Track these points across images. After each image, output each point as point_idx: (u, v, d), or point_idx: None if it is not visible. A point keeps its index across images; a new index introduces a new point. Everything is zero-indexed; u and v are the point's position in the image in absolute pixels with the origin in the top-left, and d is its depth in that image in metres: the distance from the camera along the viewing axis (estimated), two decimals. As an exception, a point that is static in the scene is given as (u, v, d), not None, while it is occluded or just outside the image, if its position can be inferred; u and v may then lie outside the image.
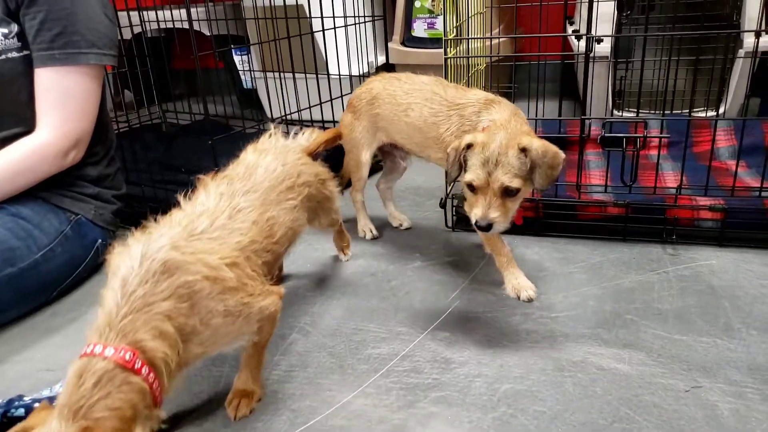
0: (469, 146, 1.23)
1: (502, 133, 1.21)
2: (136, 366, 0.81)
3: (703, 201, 1.57)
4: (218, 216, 1.02)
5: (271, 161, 1.20)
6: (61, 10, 1.39)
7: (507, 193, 1.19)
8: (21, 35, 1.42)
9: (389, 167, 1.81)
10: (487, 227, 1.19)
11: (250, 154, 1.22)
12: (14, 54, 1.42)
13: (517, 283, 1.41)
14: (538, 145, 1.18)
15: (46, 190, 1.50)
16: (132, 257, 0.88)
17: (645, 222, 1.60)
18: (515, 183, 1.18)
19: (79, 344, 1.33)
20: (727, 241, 1.56)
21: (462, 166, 1.25)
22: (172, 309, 0.86)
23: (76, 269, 1.55)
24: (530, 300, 1.38)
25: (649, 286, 1.42)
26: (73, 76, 1.44)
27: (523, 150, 1.17)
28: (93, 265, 1.63)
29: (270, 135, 1.29)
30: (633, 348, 1.20)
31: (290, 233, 1.19)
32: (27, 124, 1.46)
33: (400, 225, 1.84)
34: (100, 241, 1.60)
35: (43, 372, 1.25)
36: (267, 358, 1.22)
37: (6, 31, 1.41)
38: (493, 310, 1.36)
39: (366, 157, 1.68)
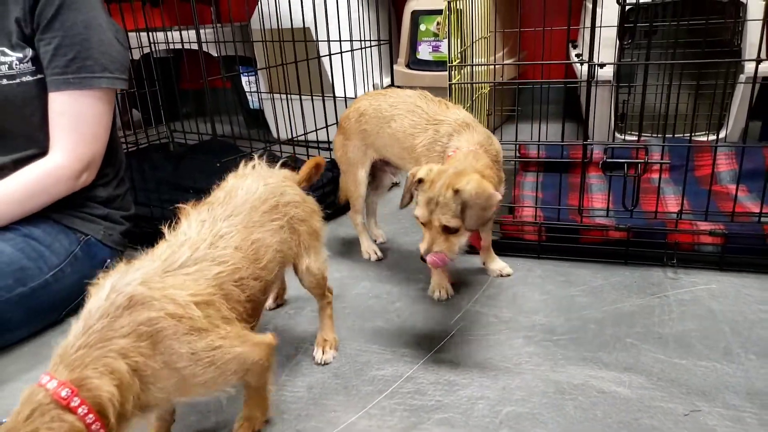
0: (420, 181, 1.29)
1: (451, 170, 1.26)
2: (72, 404, 0.77)
3: (704, 226, 1.59)
4: (199, 245, 0.98)
5: (252, 182, 1.15)
6: (76, 36, 1.43)
7: (448, 230, 1.25)
8: (35, 59, 1.46)
9: (377, 182, 1.85)
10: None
11: (230, 180, 1.18)
12: (28, 78, 1.46)
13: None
14: (471, 187, 1.22)
15: (57, 211, 1.54)
16: (102, 289, 0.86)
17: (646, 246, 1.62)
18: (453, 223, 1.23)
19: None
20: (727, 266, 1.58)
21: (413, 197, 1.34)
22: (130, 347, 0.82)
23: (86, 289, 1.57)
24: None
25: (649, 309, 1.43)
26: (86, 99, 1.47)
27: (456, 192, 1.23)
28: (102, 285, 1.65)
29: (251, 163, 1.22)
30: (633, 371, 1.22)
31: (279, 257, 1.13)
32: (40, 146, 1.50)
33: (376, 239, 1.91)
34: (109, 261, 1.63)
35: (53, 391, 1.27)
36: (274, 375, 1.24)
37: (21, 55, 1.45)
38: (495, 333, 1.38)
39: (362, 175, 1.72)
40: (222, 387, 0.95)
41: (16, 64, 1.44)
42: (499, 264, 1.67)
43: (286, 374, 1.28)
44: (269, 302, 1.54)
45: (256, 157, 1.24)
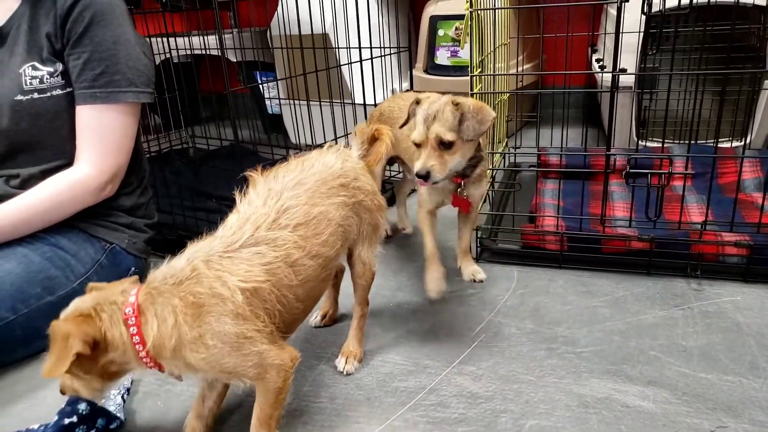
0: (417, 102, 1.42)
1: (449, 96, 1.39)
2: (129, 321, 0.95)
3: (729, 237, 1.58)
4: (261, 223, 1.05)
5: (331, 158, 1.21)
6: (104, 51, 1.45)
7: (443, 145, 1.36)
8: (65, 74, 1.48)
9: (407, 177, 1.99)
10: (426, 175, 1.36)
11: (313, 153, 1.24)
12: (59, 91, 1.48)
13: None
14: (471, 102, 1.36)
15: (83, 220, 1.56)
16: (184, 254, 1.03)
17: (669, 257, 1.61)
18: (449, 136, 1.34)
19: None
20: (752, 277, 1.56)
21: (409, 118, 1.46)
22: (179, 309, 0.95)
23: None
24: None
25: (673, 322, 1.42)
26: (112, 113, 1.50)
27: (456, 105, 1.34)
28: (126, 293, 1.67)
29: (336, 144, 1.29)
30: (657, 385, 1.21)
31: (340, 232, 1.17)
32: (67, 157, 1.52)
33: (404, 229, 2.01)
34: (133, 269, 1.65)
35: (81, 399, 1.29)
36: (299, 382, 1.25)
37: (52, 69, 1.47)
38: (517, 344, 1.38)
39: (377, 169, 1.76)
40: (237, 377, 1.01)
41: (47, 78, 1.47)
42: (472, 268, 1.70)
43: (309, 385, 1.29)
44: (317, 319, 1.52)
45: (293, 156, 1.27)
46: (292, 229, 1.07)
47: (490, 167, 2.15)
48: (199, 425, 1.14)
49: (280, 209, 1.08)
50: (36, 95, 1.47)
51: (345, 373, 1.32)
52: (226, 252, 1.02)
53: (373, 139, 1.33)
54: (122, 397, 1.25)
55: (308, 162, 1.19)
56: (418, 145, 1.40)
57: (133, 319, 0.95)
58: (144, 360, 0.97)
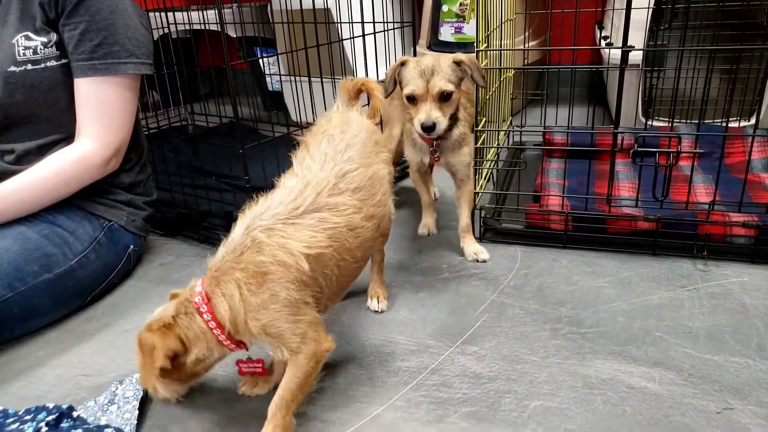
0: (402, 63, 1.47)
1: (435, 56, 1.46)
2: (201, 309, 0.98)
3: (737, 217, 1.55)
4: (323, 189, 1.07)
5: (357, 116, 1.25)
6: (101, 21, 1.41)
7: (443, 97, 1.43)
8: (59, 44, 1.45)
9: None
10: (432, 127, 1.42)
11: (339, 111, 1.27)
12: (53, 62, 1.45)
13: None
14: (468, 57, 1.46)
15: (81, 197, 1.54)
16: (240, 225, 1.03)
17: (676, 237, 1.59)
18: (450, 87, 1.43)
19: (114, 349, 1.38)
20: (760, 258, 1.54)
21: (396, 83, 1.49)
22: (243, 280, 0.97)
23: (109, 275, 1.58)
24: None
25: (679, 303, 1.40)
26: (113, 86, 1.46)
27: (458, 63, 1.44)
28: (125, 271, 1.66)
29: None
30: (663, 367, 1.20)
31: (387, 188, 1.21)
32: (64, 131, 1.49)
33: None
34: (132, 247, 1.63)
35: (81, 377, 1.28)
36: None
37: (45, 40, 1.43)
38: (521, 325, 1.36)
39: (396, 131, 1.79)
40: (281, 343, 1.01)
41: (40, 49, 1.43)
42: (474, 248, 1.69)
43: (310, 364, 1.28)
44: None
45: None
46: (351, 193, 1.10)
47: (496, 145, 2.12)
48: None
49: (338, 174, 1.10)
50: (30, 66, 1.43)
51: (380, 310, 1.45)
52: (289, 219, 1.03)
53: (358, 93, 1.37)
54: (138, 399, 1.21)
55: (344, 124, 1.20)
56: (412, 99, 1.45)
57: (204, 306, 0.98)
58: (225, 343, 1.01)
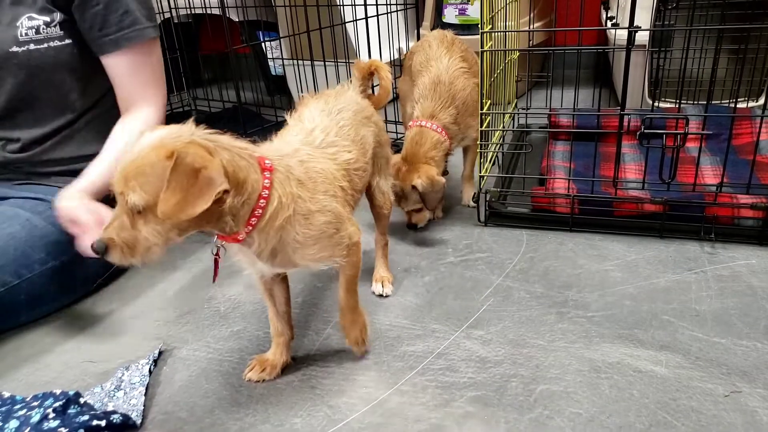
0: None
1: (404, 168, 1.63)
2: (266, 174, 0.95)
3: (745, 199, 1.54)
4: (329, 131, 1.13)
5: (353, 94, 1.30)
6: None
7: (417, 211, 1.69)
8: (63, 24, 1.44)
9: None
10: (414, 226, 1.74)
11: (336, 88, 1.32)
12: (56, 42, 1.44)
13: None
14: (423, 181, 1.58)
15: None
16: (283, 143, 1.10)
17: (683, 219, 1.57)
18: (417, 206, 1.67)
19: (120, 335, 1.38)
20: (767, 240, 1.53)
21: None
22: (299, 181, 1.00)
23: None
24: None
25: (686, 285, 1.40)
26: (147, 52, 1.50)
27: (413, 187, 1.59)
28: (132, 257, 1.66)
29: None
30: (670, 350, 1.19)
31: (371, 158, 1.27)
32: (69, 117, 1.49)
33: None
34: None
35: (87, 363, 1.29)
36: (306, 347, 1.25)
37: (48, 19, 1.42)
38: (527, 309, 1.36)
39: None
40: (331, 258, 1.06)
41: (43, 28, 1.42)
42: (470, 192, 1.86)
43: (317, 349, 1.28)
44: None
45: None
46: (351, 141, 1.16)
47: (501, 128, 2.11)
48: (282, 323, 1.20)
49: (337, 125, 1.16)
50: (32, 46, 1.42)
51: (384, 295, 1.45)
52: (316, 147, 1.09)
53: (370, 74, 1.40)
54: (149, 369, 1.22)
55: (337, 95, 1.26)
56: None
57: (268, 174, 0.94)
58: (250, 221, 0.93)
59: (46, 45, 1.43)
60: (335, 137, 1.13)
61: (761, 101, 2.18)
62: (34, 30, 1.41)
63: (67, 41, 1.45)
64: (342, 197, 1.07)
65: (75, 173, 1.51)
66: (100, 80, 1.54)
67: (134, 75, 1.49)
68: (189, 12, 2.93)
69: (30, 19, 1.41)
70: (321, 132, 1.12)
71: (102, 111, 1.59)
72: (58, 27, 1.43)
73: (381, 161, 1.36)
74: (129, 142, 1.40)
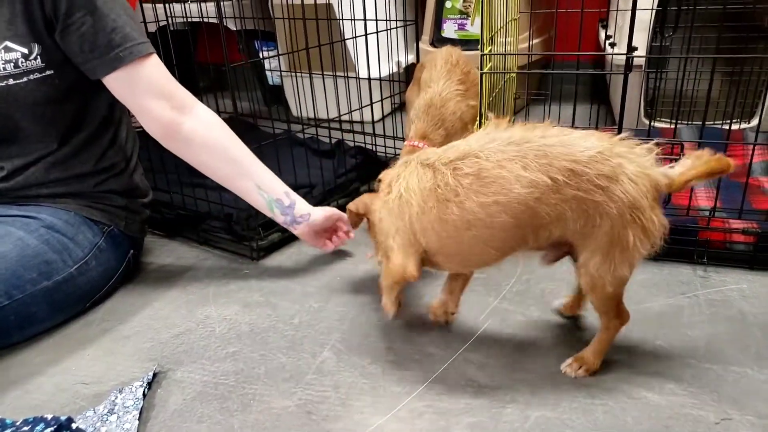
0: None
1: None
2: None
3: (737, 224, 1.55)
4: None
5: (593, 141, 1.11)
6: (101, 8, 1.35)
7: None
8: (42, 55, 1.37)
9: None
10: None
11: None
12: (37, 75, 1.38)
13: None
14: None
15: (79, 205, 1.52)
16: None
17: (676, 243, 1.59)
18: None
19: (113, 356, 1.37)
20: (758, 265, 1.54)
21: None
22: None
23: (110, 280, 1.57)
24: None
25: (679, 310, 1.41)
26: (145, 65, 1.43)
27: None
28: (125, 275, 1.65)
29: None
30: (663, 376, 1.20)
31: (520, 210, 1.24)
32: (57, 137, 1.47)
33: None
34: (132, 251, 1.62)
35: (79, 385, 1.27)
36: (302, 370, 1.24)
37: (26, 51, 1.36)
38: (523, 332, 1.37)
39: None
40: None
41: (22, 62, 1.36)
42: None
43: (312, 372, 1.27)
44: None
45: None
46: (463, 175, 1.12)
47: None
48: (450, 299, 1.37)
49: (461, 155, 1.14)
50: (11, 81, 1.36)
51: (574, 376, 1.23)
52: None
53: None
54: (144, 391, 1.22)
55: (553, 130, 1.11)
56: None
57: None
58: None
59: (26, 79, 1.37)
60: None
61: (754, 122, 2.20)
62: (12, 64, 1.35)
63: (48, 72, 1.39)
64: None
65: (65, 195, 1.51)
66: (84, 104, 1.50)
67: (155, 85, 1.43)
68: (185, 20, 2.93)
69: (6, 50, 1.35)
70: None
71: (89, 132, 1.54)
72: (38, 59, 1.37)
73: (601, 238, 1.10)
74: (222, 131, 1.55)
